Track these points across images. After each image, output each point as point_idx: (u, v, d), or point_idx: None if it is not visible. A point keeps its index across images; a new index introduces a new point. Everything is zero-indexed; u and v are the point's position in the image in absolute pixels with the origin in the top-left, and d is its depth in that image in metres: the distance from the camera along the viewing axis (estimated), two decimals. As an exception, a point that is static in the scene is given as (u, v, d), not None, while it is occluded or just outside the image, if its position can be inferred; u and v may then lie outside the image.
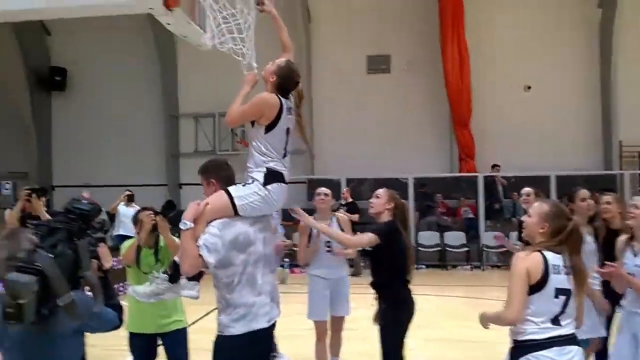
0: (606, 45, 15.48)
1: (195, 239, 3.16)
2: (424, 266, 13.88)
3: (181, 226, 3.16)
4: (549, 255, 3.05)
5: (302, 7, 15.80)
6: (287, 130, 3.45)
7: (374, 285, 4.58)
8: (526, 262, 3.03)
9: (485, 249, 14.41)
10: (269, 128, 3.37)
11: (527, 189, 6.12)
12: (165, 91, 17.46)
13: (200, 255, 3.12)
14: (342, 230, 5.50)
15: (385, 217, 4.59)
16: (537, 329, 3.01)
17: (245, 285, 3.26)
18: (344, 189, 11.39)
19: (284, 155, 3.45)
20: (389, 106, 16.12)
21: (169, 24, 4.21)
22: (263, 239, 3.39)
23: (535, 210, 3.21)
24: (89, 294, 2.56)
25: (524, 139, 15.36)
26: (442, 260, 14.35)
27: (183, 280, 3.31)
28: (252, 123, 3.43)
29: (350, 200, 12.59)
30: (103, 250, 2.77)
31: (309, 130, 16.59)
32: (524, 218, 3.39)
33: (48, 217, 6.66)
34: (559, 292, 3.03)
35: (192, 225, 3.16)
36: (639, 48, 15.33)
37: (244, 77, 3.75)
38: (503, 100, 15.71)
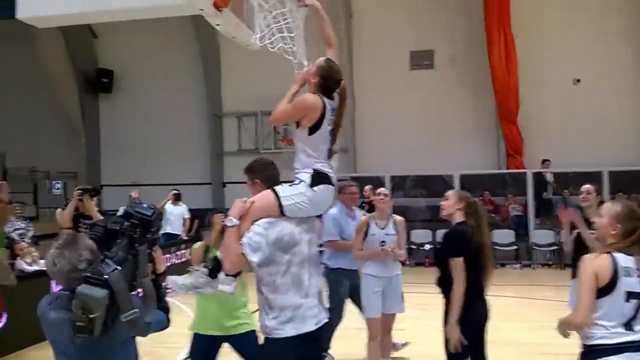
0: (658, 37, 14.87)
1: (240, 236, 3.15)
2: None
3: (227, 223, 3.17)
4: (620, 257, 2.94)
5: (343, 2, 15.71)
6: (332, 130, 3.40)
7: (439, 283, 4.43)
8: (594, 264, 2.95)
9: (535, 247, 14.06)
10: (313, 130, 3.33)
11: (587, 186, 5.86)
12: (208, 90, 17.65)
13: (243, 254, 3.11)
14: (398, 231, 5.62)
15: (458, 218, 4.46)
16: (607, 334, 2.91)
17: (291, 286, 3.22)
18: (366, 188, 11.20)
19: (330, 156, 3.40)
20: (432, 102, 15.88)
21: (218, 24, 4.21)
22: (308, 240, 3.35)
23: (607, 211, 3.11)
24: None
25: (574, 134, 14.88)
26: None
27: (221, 275, 3.28)
28: (297, 124, 3.40)
29: (371, 199, 12.24)
30: (158, 253, 2.74)
31: (350, 128, 16.58)
32: (595, 219, 3.24)
33: (100, 217, 6.81)
34: (631, 295, 2.91)
35: (238, 222, 3.15)
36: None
37: (294, 75, 3.72)
38: (551, 95, 15.27)
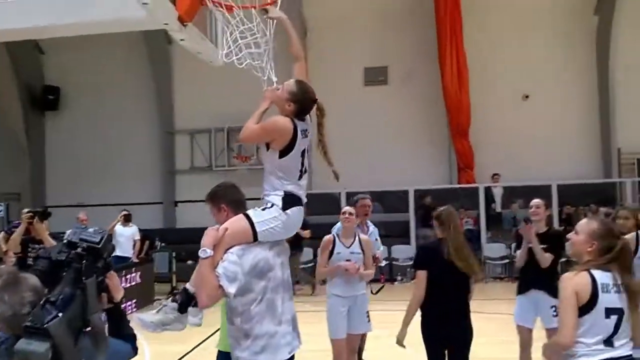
0: (603, 53, 15.51)
1: (214, 267, 3.00)
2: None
3: (200, 254, 3.00)
4: (598, 274, 2.96)
5: (298, 19, 15.73)
6: (303, 152, 3.32)
7: None
8: (573, 282, 2.96)
9: (487, 260, 14.27)
10: (284, 153, 3.24)
11: (536, 201, 5.88)
12: (160, 107, 17.32)
13: (220, 286, 2.96)
14: (364, 251, 5.53)
15: (439, 235, 4.56)
16: (588, 351, 2.92)
17: (265, 313, 3.11)
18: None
19: (300, 177, 3.32)
20: (387, 118, 16.04)
21: (182, 40, 4.10)
22: (281, 264, 3.25)
23: (583, 228, 3.11)
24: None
25: (524, 148, 15.29)
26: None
27: (191, 309, 3.14)
28: (267, 146, 3.30)
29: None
30: (113, 280, 2.44)
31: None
32: (569, 235, 3.25)
33: (51, 241, 6.49)
34: (610, 311, 2.93)
35: (212, 253, 3.00)
36: (636, 55, 15.34)
37: (264, 92, 3.62)
38: (501, 110, 15.67)
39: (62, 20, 3.68)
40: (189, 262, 15.20)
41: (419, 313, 4.54)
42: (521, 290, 5.64)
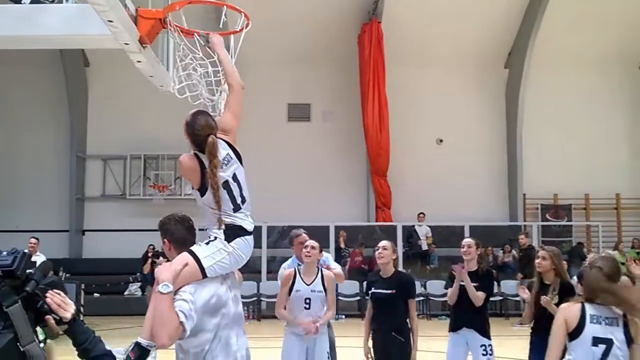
0: (512, 104, 16.59)
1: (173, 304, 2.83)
2: (343, 316, 13.72)
3: (161, 289, 2.78)
4: (589, 306, 3.26)
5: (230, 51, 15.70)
6: (226, 183, 3.14)
7: None
8: (565, 312, 3.32)
9: (430, 297, 14.42)
10: (202, 191, 3.12)
11: (467, 240, 6.06)
12: (73, 131, 16.50)
13: (181, 324, 2.77)
14: (326, 289, 5.16)
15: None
16: None
17: (219, 352, 2.96)
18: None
19: (237, 209, 3.16)
20: (308, 154, 16.22)
21: (139, 62, 3.99)
22: (234, 297, 3.13)
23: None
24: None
25: (439, 190, 15.90)
26: (361, 309, 14.27)
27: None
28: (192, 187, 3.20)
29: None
30: (54, 298, 2.19)
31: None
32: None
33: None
34: (597, 340, 3.20)
35: (172, 288, 2.80)
36: (542, 108, 16.53)
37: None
38: (418, 153, 16.29)
39: (14, 31, 3.46)
40: (96, 295, 14.47)
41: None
42: (453, 328, 5.69)
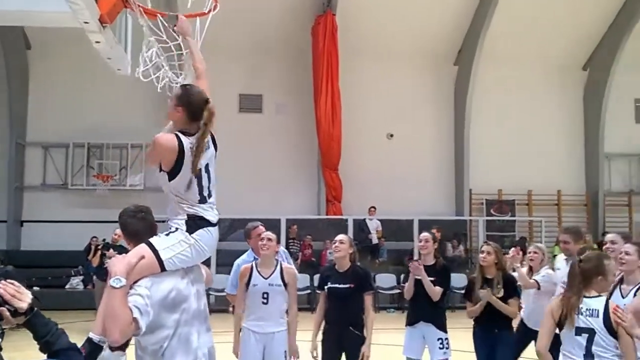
0: (460, 101, 16.90)
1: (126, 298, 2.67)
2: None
3: (113, 283, 2.61)
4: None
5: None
6: (199, 171, 3.01)
7: None
8: (552, 304, 3.72)
9: (379, 291, 14.47)
10: (172, 174, 2.96)
11: (425, 234, 6.03)
12: (12, 117, 15.74)
13: (135, 319, 2.62)
14: (286, 283, 4.94)
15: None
16: None
17: (177, 349, 2.82)
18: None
19: (204, 200, 3.03)
20: (260, 146, 16.04)
21: (98, 42, 3.78)
22: (196, 293, 2.99)
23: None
24: None
25: (389, 184, 16.05)
26: (310, 303, 14.25)
27: (106, 352, 2.71)
28: (159, 169, 3.00)
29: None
30: (7, 288, 2.06)
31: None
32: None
33: None
34: (580, 330, 3.52)
35: (126, 282, 2.64)
36: (489, 105, 16.90)
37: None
38: (370, 147, 16.37)
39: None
40: (36, 288, 13.86)
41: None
42: (409, 322, 5.69)
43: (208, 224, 3.02)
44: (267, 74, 16.30)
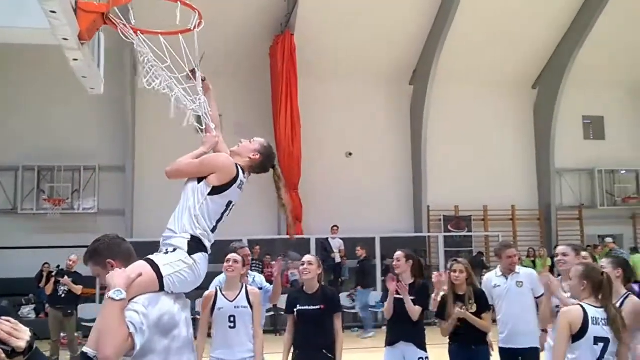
0: (417, 120, 17.16)
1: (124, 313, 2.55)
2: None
3: (114, 295, 2.49)
4: (589, 308, 3.63)
5: (130, 57, 15.00)
6: (229, 203, 3.14)
7: None
8: (568, 316, 3.66)
9: (345, 310, 14.38)
10: (217, 190, 3.05)
11: (398, 253, 6.02)
12: (-43, 138, 15.07)
13: (130, 336, 2.49)
14: (252, 305, 4.85)
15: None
16: None
17: None
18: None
19: (214, 230, 3.08)
20: (218, 166, 15.80)
21: (76, 59, 3.61)
22: (185, 320, 2.89)
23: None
24: None
25: (349, 203, 16.09)
26: (275, 325, 14.03)
27: None
28: (199, 180, 3.08)
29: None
30: (2, 327, 1.87)
31: (130, 189, 15.58)
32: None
33: None
34: (597, 340, 3.58)
35: (126, 295, 2.53)
36: (445, 123, 17.23)
37: (205, 138, 3.64)
38: (329, 166, 16.40)
39: None
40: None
41: None
42: (389, 342, 5.62)
43: (206, 250, 3.00)
44: (225, 93, 16.10)
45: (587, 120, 19.01)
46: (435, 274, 5.94)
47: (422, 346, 5.47)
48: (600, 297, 3.67)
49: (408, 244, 16.06)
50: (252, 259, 14.64)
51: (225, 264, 4.94)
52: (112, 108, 15.50)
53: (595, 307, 3.65)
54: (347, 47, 16.06)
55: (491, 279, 5.86)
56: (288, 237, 15.46)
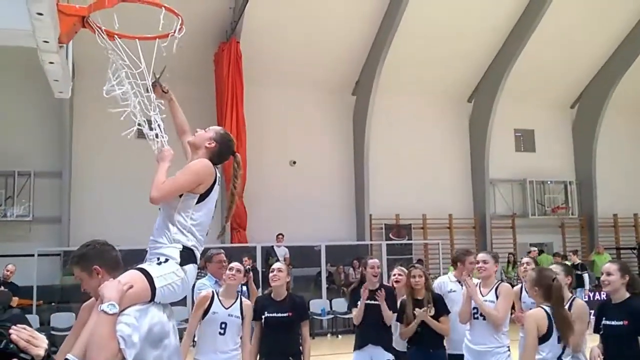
0: (359, 130, 17.47)
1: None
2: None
3: (107, 309, 2.48)
4: (550, 310, 3.92)
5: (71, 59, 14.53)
6: (215, 202, 3.18)
7: None
8: (535, 318, 3.90)
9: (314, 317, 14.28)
10: (202, 198, 3.07)
11: (374, 261, 6.10)
12: None
13: (120, 351, 2.48)
14: (243, 316, 4.92)
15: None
16: None
17: None
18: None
19: (206, 232, 3.14)
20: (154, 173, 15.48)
21: (52, 62, 3.57)
22: (173, 328, 2.92)
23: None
24: None
25: (294, 211, 16.14)
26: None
27: None
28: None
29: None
30: (21, 334, 1.88)
31: (66, 196, 15.03)
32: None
33: None
34: (559, 339, 3.91)
35: (118, 309, 2.52)
36: (386, 133, 17.63)
37: (159, 153, 3.45)
38: (273, 174, 16.41)
39: None
40: None
41: None
42: (358, 346, 5.79)
43: (196, 261, 3.02)
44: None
45: (519, 134, 19.93)
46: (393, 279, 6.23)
47: (389, 349, 5.68)
48: (551, 301, 3.96)
49: (352, 251, 16.40)
50: (199, 268, 14.56)
51: (228, 272, 5.01)
52: (49, 112, 14.96)
53: (552, 307, 3.95)
54: (292, 57, 16.18)
55: (445, 283, 6.05)
56: (233, 244, 15.40)
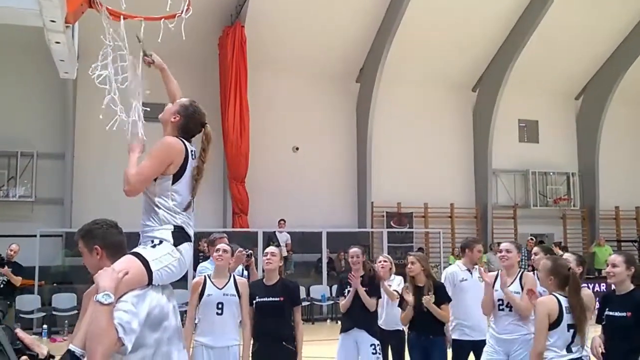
0: (362, 117, 17.43)
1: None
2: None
3: (102, 299, 2.45)
4: (562, 299, 4.02)
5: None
6: (194, 176, 3.11)
7: None
8: (546, 306, 4.01)
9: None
10: (177, 177, 3.02)
11: (354, 250, 6.09)
12: None
13: (120, 339, 2.49)
14: (240, 294, 4.91)
15: None
16: (556, 356, 4.00)
17: None
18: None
19: (190, 207, 3.08)
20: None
21: (58, 42, 3.56)
22: (173, 309, 2.92)
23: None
24: None
25: (295, 197, 16.18)
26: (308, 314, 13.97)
27: None
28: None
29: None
30: (24, 337, 1.97)
31: (69, 178, 15.07)
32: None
33: None
34: (570, 326, 4.01)
35: (114, 299, 2.49)
36: (389, 122, 17.59)
37: (128, 145, 3.27)
38: (276, 160, 16.42)
39: None
40: None
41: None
42: (344, 329, 5.90)
43: (190, 238, 3.01)
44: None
45: (523, 124, 19.88)
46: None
47: (374, 334, 5.76)
48: (566, 290, 4.04)
49: (353, 238, 16.42)
50: (201, 251, 14.60)
51: (215, 254, 5.01)
52: (53, 93, 14.98)
53: (565, 296, 4.03)
54: (297, 42, 16.13)
55: (456, 272, 5.95)
56: (234, 229, 15.45)
